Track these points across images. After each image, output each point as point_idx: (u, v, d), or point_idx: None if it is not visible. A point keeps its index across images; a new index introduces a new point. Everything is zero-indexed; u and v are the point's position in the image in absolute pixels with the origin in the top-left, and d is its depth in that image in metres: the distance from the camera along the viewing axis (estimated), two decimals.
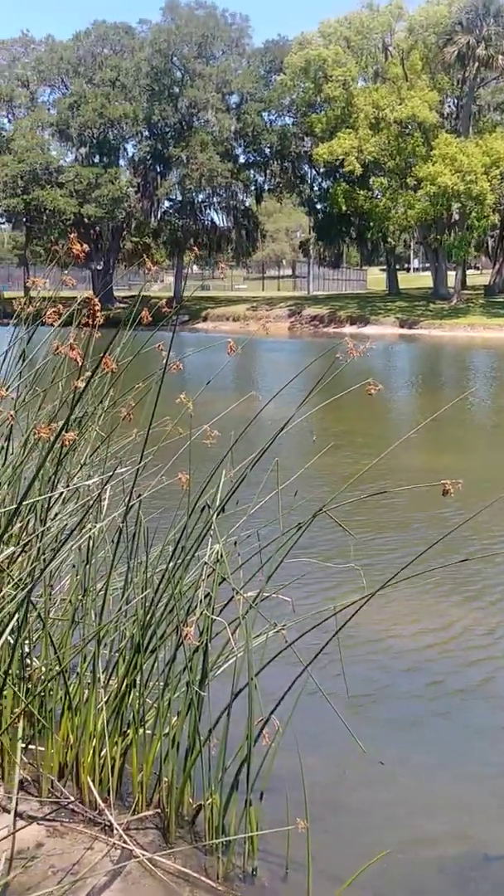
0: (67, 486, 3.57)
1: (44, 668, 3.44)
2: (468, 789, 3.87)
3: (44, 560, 3.31)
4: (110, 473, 3.22)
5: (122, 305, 47.79)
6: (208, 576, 3.24)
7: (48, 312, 3.21)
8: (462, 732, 4.35)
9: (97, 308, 2.39)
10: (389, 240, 53.66)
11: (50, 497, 3.04)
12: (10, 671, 3.25)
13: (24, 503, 3.38)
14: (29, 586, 2.98)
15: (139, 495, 3.53)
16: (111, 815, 3.20)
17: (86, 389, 3.34)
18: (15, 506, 2.65)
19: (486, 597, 6.21)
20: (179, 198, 59.99)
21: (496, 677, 4.99)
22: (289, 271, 78.00)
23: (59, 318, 3.15)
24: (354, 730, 3.34)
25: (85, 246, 3.39)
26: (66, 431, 2.73)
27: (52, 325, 3.17)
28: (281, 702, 3.10)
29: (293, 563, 3.39)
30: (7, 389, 2.71)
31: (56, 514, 3.58)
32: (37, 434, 2.40)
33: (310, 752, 3.50)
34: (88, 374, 2.79)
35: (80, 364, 2.50)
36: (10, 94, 60.36)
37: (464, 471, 10.15)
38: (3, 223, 66.41)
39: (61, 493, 3.40)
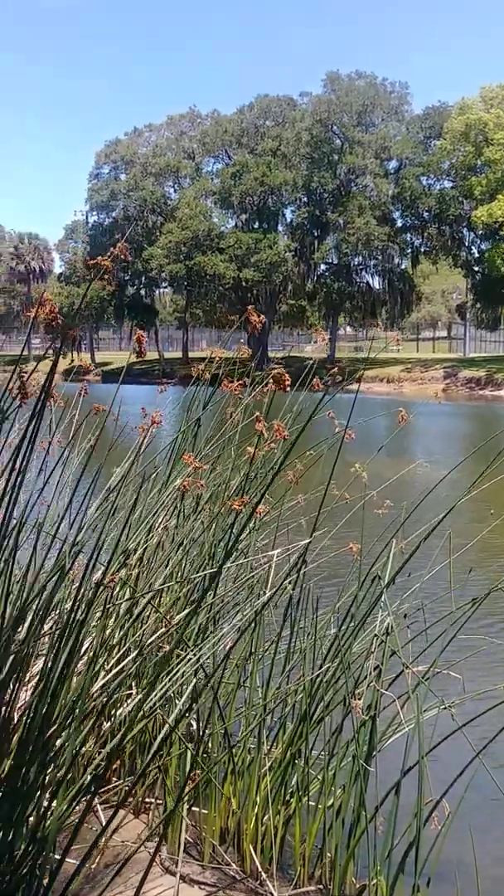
0: (237, 550, 3.62)
1: (210, 732, 3.47)
2: None
3: (214, 624, 3.36)
4: (296, 546, 3.25)
5: (275, 366, 48.44)
6: (378, 647, 3.19)
7: (226, 381, 3.30)
8: None
9: (287, 381, 2.44)
10: None
11: (226, 565, 3.10)
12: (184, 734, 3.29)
13: (196, 569, 3.46)
14: (201, 651, 3.03)
15: (305, 562, 3.53)
16: (273, 886, 3.15)
17: (258, 455, 3.41)
18: (212, 570, 2.71)
19: None
20: (335, 261, 60.88)
21: None
22: (444, 333, 77.23)
23: (238, 388, 3.24)
24: None
25: (262, 316, 3.48)
26: (240, 497, 2.79)
27: (235, 393, 3.26)
28: (452, 785, 2.99)
29: (465, 639, 3.30)
30: (195, 458, 2.80)
31: (225, 578, 3.64)
32: (232, 507, 2.46)
33: (481, 839, 3.35)
34: (271, 444, 2.84)
35: (262, 434, 2.56)
36: (177, 165, 63.40)
37: None
38: (166, 287, 69.24)
39: (236, 562, 3.45)
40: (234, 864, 3.27)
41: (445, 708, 3.25)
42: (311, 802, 3.33)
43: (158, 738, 2.91)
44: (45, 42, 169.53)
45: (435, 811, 2.97)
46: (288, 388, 2.48)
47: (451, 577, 3.31)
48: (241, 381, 3.21)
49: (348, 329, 74.42)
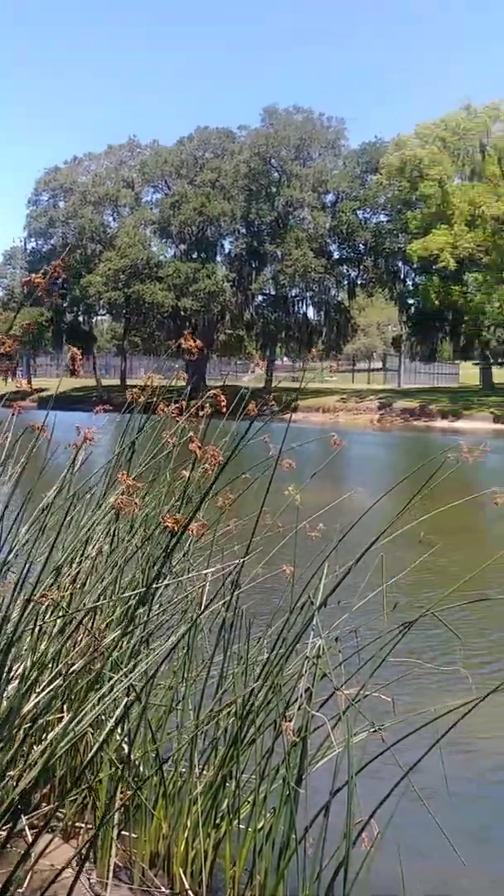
0: (170, 572, 3.64)
1: (141, 755, 3.46)
2: None
3: (146, 646, 3.37)
4: (233, 565, 3.28)
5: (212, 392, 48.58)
6: (309, 670, 3.23)
7: (162, 405, 3.34)
8: None
9: (223, 402, 2.49)
10: (484, 334, 53.53)
11: (160, 585, 3.12)
12: (112, 756, 3.28)
13: (130, 590, 3.47)
14: (134, 673, 3.03)
15: (239, 585, 3.57)
16: None
17: (192, 479, 3.45)
18: (142, 589, 2.73)
19: None
20: (273, 292, 61.51)
21: None
22: (379, 364, 78.43)
23: (176, 411, 3.28)
24: (456, 839, 3.24)
25: (199, 342, 3.53)
26: (177, 519, 2.82)
27: (174, 418, 3.30)
28: (381, 805, 3.03)
29: (395, 662, 3.36)
30: (130, 477, 2.82)
31: (157, 600, 3.65)
32: (163, 523, 2.49)
33: (410, 859, 3.39)
34: (206, 468, 2.88)
35: (197, 457, 2.59)
36: (116, 194, 63.51)
37: None
38: (104, 314, 69.10)
39: (173, 581, 3.47)
40: (163, 888, 3.26)
41: (375, 731, 3.30)
42: (241, 825, 3.34)
43: (86, 760, 2.90)
44: None
45: (364, 832, 3.00)
46: (224, 408, 2.52)
47: (384, 601, 3.37)
48: (177, 406, 3.25)
49: (285, 359, 75.03)
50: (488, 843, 4.12)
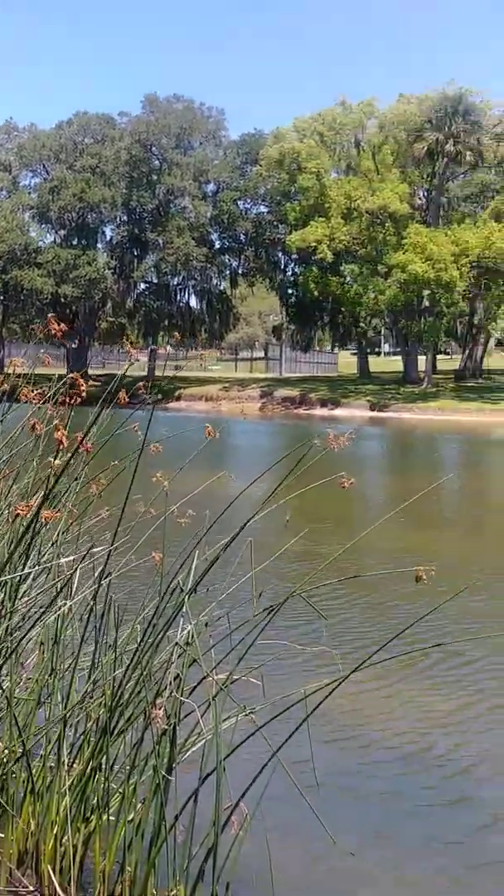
0: (38, 563, 3.54)
1: (7, 751, 3.36)
2: (441, 884, 3.77)
3: (11, 638, 3.27)
4: (85, 553, 3.21)
5: (95, 383, 47.91)
6: (179, 657, 3.20)
7: (25, 391, 3.24)
8: (434, 823, 4.27)
9: (83, 387, 2.42)
10: (360, 324, 54.66)
11: (22, 575, 3.02)
12: None
13: None
14: None
15: (109, 574, 3.50)
16: None
17: (61, 468, 3.36)
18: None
19: (463, 682, 6.14)
20: (155, 280, 61.13)
21: (471, 768, 4.90)
22: (261, 353, 79.03)
23: (38, 396, 3.19)
24: (325, 818, 3.27)
25: (63, 325, 3.44)
26: (43, 509, 2.73)
27: (34, 402, 3.20)
28: (249, 788, 3.03)
29: (264, 645, 3.37)
30: None
31: (25, 591, 3.55)
32: (14, 512, 2.40)
33: (279, 840, 3.42)
34: (68, 455, 2.80)
35: (63, 445, 2.52)
36: None
37: (435, 551, 10.17)
38: None
39: (33, 571, 3.37)
40: (31, 887, 3.18)
41: (248, 714, 3.29)
42: (111, 818, 3.28)
43: None
44: None
45: (234, 816, 3.00)
46: (83, 393, 2.46)
47: (253, 586, 3.37)
48: (38, 392, 3.15)
49: (169, 348, 74.69)
50: (357, 820, 4.20)
